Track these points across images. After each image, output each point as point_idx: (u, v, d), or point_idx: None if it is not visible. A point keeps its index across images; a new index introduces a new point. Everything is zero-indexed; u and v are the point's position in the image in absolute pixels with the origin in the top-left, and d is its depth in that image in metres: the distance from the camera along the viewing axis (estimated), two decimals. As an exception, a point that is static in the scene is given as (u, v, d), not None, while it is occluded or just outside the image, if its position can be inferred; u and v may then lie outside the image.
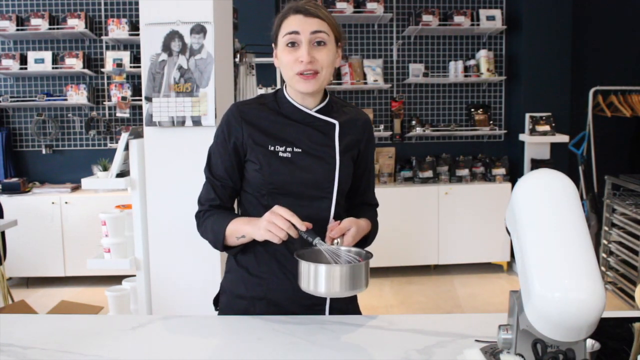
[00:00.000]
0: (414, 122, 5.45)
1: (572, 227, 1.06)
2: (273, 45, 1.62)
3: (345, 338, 1.47)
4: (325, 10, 1.57)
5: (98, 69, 5.34)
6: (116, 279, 3.51)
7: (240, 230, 1.55)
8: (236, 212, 1.76)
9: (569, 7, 5.18)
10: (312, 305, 1.62)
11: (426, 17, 5.22)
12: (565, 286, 1.00)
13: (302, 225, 1.45)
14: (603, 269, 4.66)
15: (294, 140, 1.59)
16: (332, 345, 1.42)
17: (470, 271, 5.30)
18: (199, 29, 2.61)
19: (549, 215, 1.08)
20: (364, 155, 1.70)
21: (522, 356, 1.13)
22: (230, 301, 1.68)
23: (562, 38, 5.19)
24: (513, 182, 5.23)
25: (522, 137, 5.26)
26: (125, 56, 5.18)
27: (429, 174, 5.27)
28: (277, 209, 1.47)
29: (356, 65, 5.37)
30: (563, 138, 5.13)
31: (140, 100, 4.72)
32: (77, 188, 5.15)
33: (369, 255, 1.50)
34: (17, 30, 5.08)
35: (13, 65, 5.13)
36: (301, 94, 1.59)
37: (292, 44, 1.54)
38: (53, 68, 5.17)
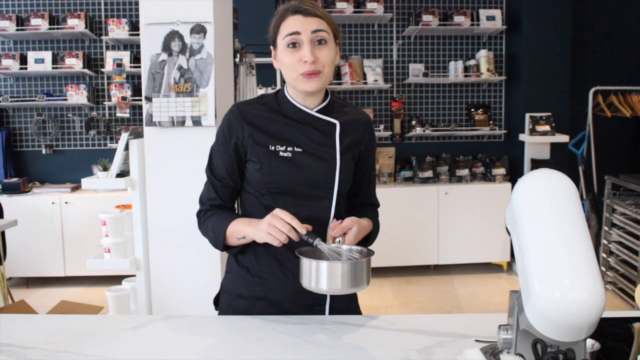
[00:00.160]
0: (414, 122, 5.45)
1: (572, 227, 1.06)
2: (271, 47, 1.62)
3: (346, 338, 1.47)
4: (322, 8, 1.58)
5: (98, 69, 5.34)
6: (116, 279, 3.51)
7: (241, 231, 1.55)
8: (237, 211, 1.76)
9: (569, 7, 5.18)
10: (312, 305, 1.63)
11: (426, 17, 5.22)
12: (565, 286, 1.00)
13: (303, 229, 1.44)
14: (603, 269, 4.66)
15: (294, 140, 1.58)
16: (332, 345, 1.42)
17: (470, 271, 5.30)
18: (199, 29, 2.61)
19: (548, 215, 1.08)
20: (364, 156, 1.70)
21: (522, 356, 1.13)
22: (230, 301, 1.68)
23: (562, 38, 5.19)
24: (513, 182, 5.23)
25: (522, 137, 5.26)
26: (125, 56, 5.18)
27: (429, 174, 5.27)
28: (278, 211, 1.47)
29: (356, 65, 5.37)
30: (563, 138, 5.13)
31: (140, 100, 4.73)
32: (77, 188, 5.15)
33: (371, 253, 1.50)
34: (17, 30, 5.08)
35: (13, 65, 5.13)
36: (303, 94, 1.59)
37: (294, 45, 1.54)
38: (53, 68, 5.16)
